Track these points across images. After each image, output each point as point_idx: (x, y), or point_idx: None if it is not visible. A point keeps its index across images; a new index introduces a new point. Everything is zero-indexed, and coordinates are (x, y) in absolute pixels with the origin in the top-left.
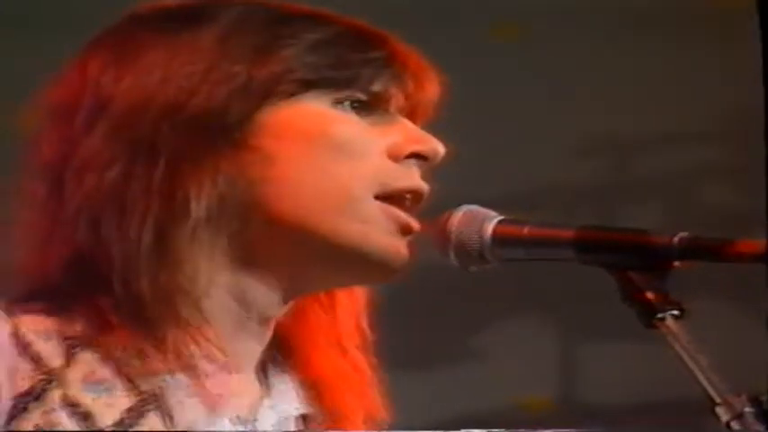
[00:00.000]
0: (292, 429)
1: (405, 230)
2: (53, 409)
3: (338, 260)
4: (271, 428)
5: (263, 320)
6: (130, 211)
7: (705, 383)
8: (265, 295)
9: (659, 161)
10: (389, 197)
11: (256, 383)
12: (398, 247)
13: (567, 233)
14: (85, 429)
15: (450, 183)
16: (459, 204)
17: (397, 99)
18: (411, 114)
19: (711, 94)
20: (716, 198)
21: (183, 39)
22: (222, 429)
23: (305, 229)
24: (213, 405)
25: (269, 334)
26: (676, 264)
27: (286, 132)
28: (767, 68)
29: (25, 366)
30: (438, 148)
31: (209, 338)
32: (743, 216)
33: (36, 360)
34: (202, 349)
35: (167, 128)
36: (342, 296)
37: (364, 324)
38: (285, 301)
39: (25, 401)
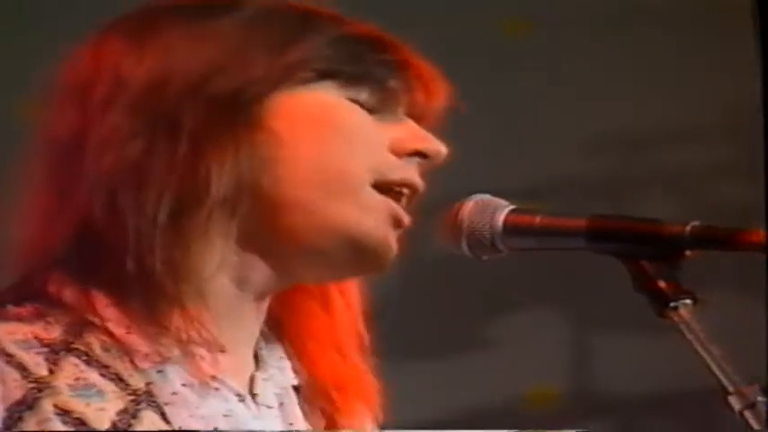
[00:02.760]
0: (292, 400)
1: (397, 224)
2: (48, 419)
3: (331, 245)
4: (274, 401)
5: (258, 298)
6: (149, 186)
7: (718, 373)
8: (263, 277)
9: (670, 157)
10: (386, 189)
11: (252, 361)
12: (389, 239)
13: (580, 222)
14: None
15: (461, 178)
16: (471, 195)
17: (406, 103)
18: (417, 121)
19: (722, 91)
20: (726, 193)
21: (208, 25)
22: (226, 408)
23: (301, 208)
24: (208, 387)
25: (264, 311)
26: (688, 252)
27: (297, 115)
28: (766, 65)
29: (14, 376)
30: (441, 148)
31: (205, 321)
32: (752, 211)
33: (22, 369)
34: (198, 332)
35: (189, 105)
36: (338, 299)
37: (362, 328)
38: (280, 284)
39: (19, 411)
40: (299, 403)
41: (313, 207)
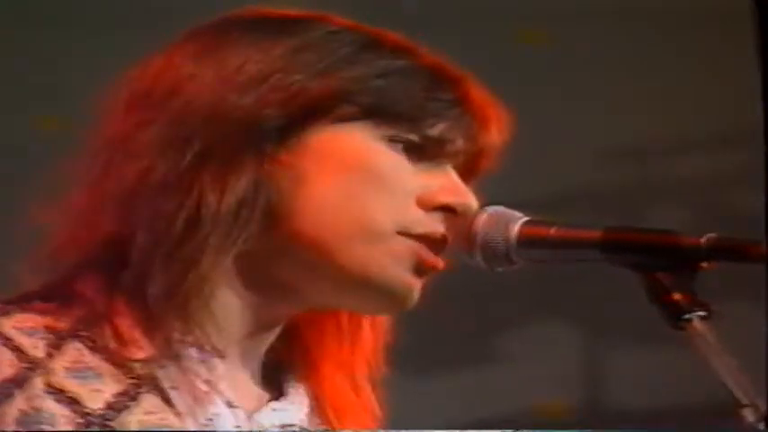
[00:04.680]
0: None
1: (424, 270)
2: (37, 396)
3: (348, 286)
4: (269, 427)
5: (267, 326)
6: (153, 203)
7: (732, 385)
8: (270, 306)
9: (685, 165)
10: (415, 237)
11: (256, 382)
12: (412, 285)
13: (594, 234)
14: (73, 415)
15: (476, 189)
16: (485, 207)
17: (456, 143)
18: (474, 157)
19: (739, 99)
20: (743, 202)
21: (262, 45)
22: (218, 411)
23: (322, 249)
24: (202, 392)
25: (272, 337)
26: (704, 264)
27: (326, 156)
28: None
29: (8, 356)
30: (470, 203)
31: (208, 332)
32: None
33: (18, 351)
34: (196, 339)
35: (202, 123)
36: (366, 326)
37: (380, 360)
38: (287, 314)
39: (9, 387)
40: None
41: (335, 248)
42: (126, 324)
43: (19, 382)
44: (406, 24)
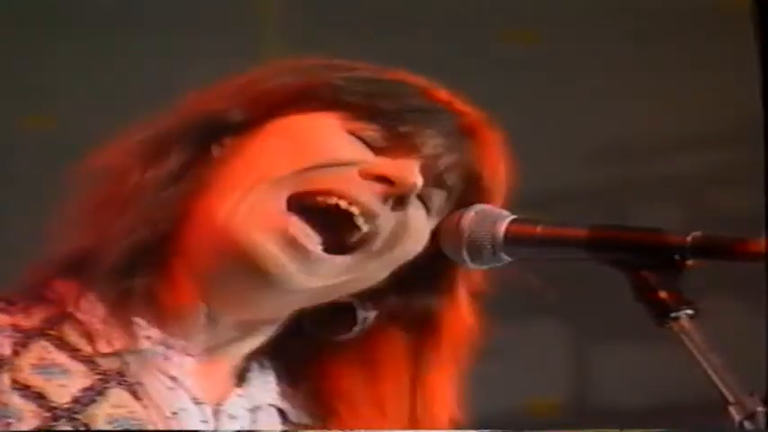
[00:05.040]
0: (269, 420)
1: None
2: (2, 392)
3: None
4: (243, 414)
5: (238, 324)
6: (130, 213)
7: (718, 383)
8: (226, 305)
9: (673, 164)
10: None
11: (230, 377)
12: (281, 258)
13: (581, 232)
14: (40, 410)
15: None
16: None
17: (427, 146)
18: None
19: (725, 98)
20: (730, 201)
21: None
22: (184, 407)
23: (229, 241)
24: (167, 388)
25: (250, 338)
26: (690, 262)
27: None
28: (765, 70)
29: None
30: (409, 177)
31: (175, 330)
32: (756, 220)
33: None
34: (163, 337)
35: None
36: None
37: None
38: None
39: None
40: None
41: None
42: (93, 321)
43: None
44: (394, 22)
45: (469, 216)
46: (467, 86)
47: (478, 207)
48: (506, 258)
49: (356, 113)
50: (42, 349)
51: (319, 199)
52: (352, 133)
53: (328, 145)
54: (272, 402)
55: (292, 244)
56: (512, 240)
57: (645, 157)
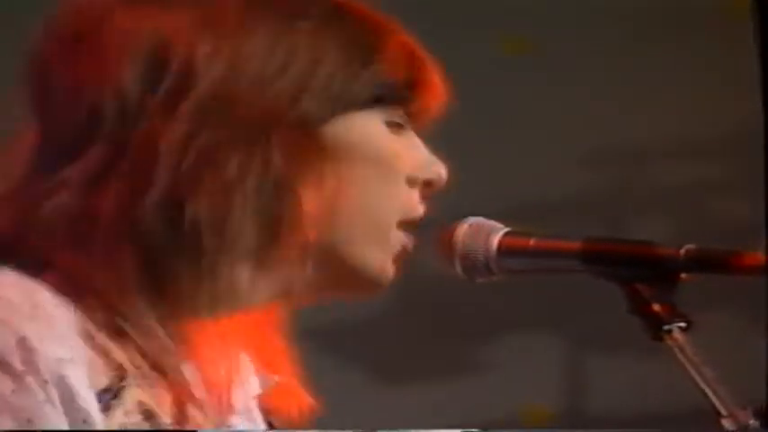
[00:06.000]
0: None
1: (406, 255)
2: (130, 411)
3: (341, 276)
4: (242, 407)
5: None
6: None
7: (711, 396)
8: (253, 292)
9: (669, 174)
10: (405, 226)
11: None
12: (391, 274)
13: (574, 245)
14: None
15: (459, 195)
16: (467, 216)
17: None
18: (417, 119)
19: (722, 108)
20: (727, 211)
21: (288, 27)
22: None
23: (333, 252)
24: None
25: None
26: (683, 275)
27: (351, 148)
28: (766, 80)
29: (98, 361)
30: (444, 174)
31: (184, 332)
32: (754, 229)
33: (106, 354)
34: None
35: (275, 125)
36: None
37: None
38: (268, 301)
39: (106, 399)
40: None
41: (346, 251)
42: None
43: (114, 392)
44: None
45: (463, 229)
46: (459, 94)
47: (472, 220)
48: (500, 271)
49: (391, 102)
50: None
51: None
52: (388, 123)
53: (395, 166)
54: (257, 392)
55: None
56: (505, 253)
57: (642, 165)
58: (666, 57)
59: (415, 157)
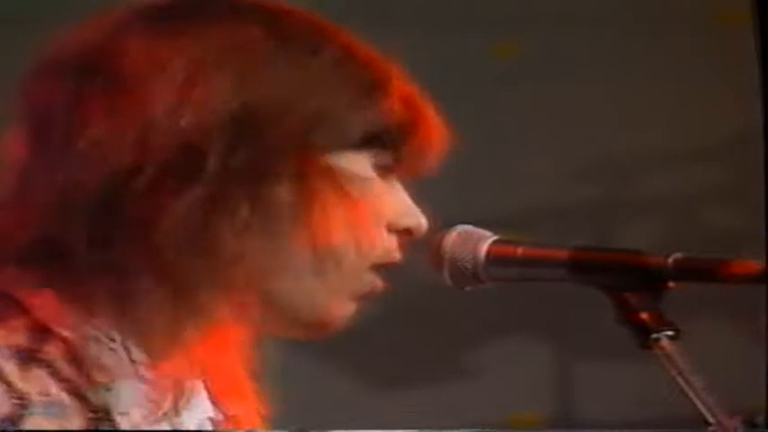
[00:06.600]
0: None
1: (369, 297)
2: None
3: (299, 324)
4: (193, 427)
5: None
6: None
7: (699, 404)
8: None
9: (658, 182)
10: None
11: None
12: (350, 314)
13: (562, 254)
14: None
15: (446, 203)
16: (455, 225)
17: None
18: (415, 163)
19: (712, 114)
20: (716, 219)
21: (300, 61)
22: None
23: (294, 277)
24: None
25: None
26: (671, 284)
27: (340, 189)
28: (766, 89)
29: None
30: (424, 224)
31: (148, 344)
32: (744, 236)
33: (8, 384)
34: (141, 352)
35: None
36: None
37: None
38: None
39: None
40: None
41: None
42: (77, 339)
43: (14, 420)
44: (379, 34)
45: (451, 237)
46: (446, 104)
47: (461, 228)
48: (487, 279)
49: (382, 145)
50: (41, 379)
51: None
52: (376, 166)
53: (379, 213)
54: (209, 415)
55: None
56: (493, 261)
57: (631, 175)
58: (660, 63)
59: (397, 203)
